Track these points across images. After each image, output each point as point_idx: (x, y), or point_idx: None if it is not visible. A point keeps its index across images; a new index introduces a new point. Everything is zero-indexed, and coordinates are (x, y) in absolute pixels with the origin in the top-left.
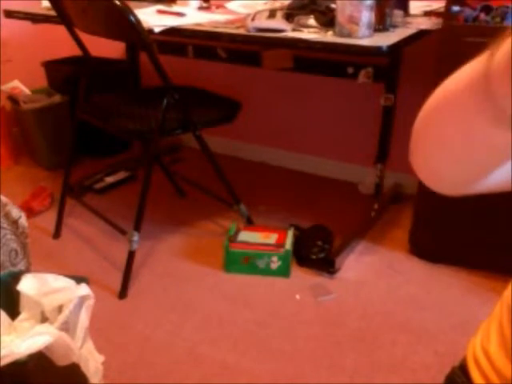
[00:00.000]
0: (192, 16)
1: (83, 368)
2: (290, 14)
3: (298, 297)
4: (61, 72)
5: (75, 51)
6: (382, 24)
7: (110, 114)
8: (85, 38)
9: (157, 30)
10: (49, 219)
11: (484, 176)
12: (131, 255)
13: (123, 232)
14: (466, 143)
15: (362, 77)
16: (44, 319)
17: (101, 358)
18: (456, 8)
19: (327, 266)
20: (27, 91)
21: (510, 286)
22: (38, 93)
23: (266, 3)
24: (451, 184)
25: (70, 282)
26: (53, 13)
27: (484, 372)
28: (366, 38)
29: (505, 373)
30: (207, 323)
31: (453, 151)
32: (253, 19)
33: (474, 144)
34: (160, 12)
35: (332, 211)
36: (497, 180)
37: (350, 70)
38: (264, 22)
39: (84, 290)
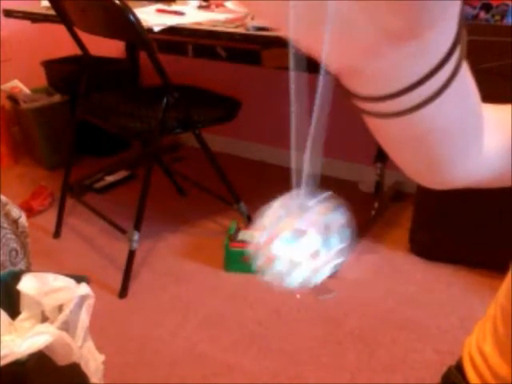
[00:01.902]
0: (191, 15)
1: (83, 367)
2: None
3: (298, 296)
4: (60, 71)
5: (75, 50)
6: None
7: (110, 113)
8: (84, 37)
9: (156, 29)
10: (49, 219)
11: (432, 162)
12: (131, 254)
13: (123, 231)
14: (380, 138)
15: None
16: (44, 319)
17: (101, 358)
18: None
19: None
20: (27, 90)
21: (503, 286)
22: (38, 92)
23: None
24: (420, 175)
25: (70, 282)
26: (52, 12)
27: (479, 371)
28: None
29: (500, 372)
30: (207, 322)
31: (385, 146)
32: (252, 18)
33: (381, 137)
34: (159, 11)
35: None
36: (477, 172)
37: None
38: None
39: (84, 289)
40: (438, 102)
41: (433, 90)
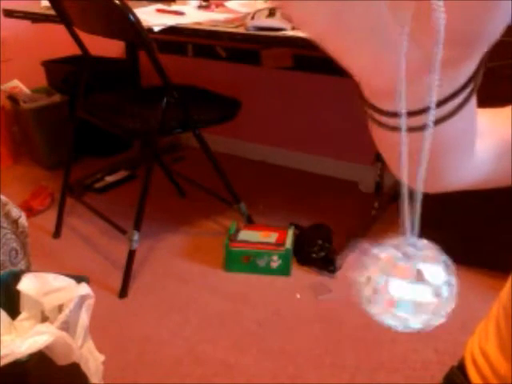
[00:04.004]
0: (191, 15)
1: (83, 367)
2: None
3: (298, 296)
4: (60, 71)
5: (75, 50)
6: None
7: (110, 114)
8: (84, 37)
9: (156, 28)
10: (49, 219)
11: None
12: (131, 254)
13: (123, 231)
14: (380, 148)
15: None
16: (44, 319)
17: (101, 358)
18: None
19: (327, 264)
20: (27, 90)
21: (506, 287)
22: (38, 92)
23: (265, 2)
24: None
25: (70, 282)
26: (52, 12)
27: (482, 372)
28: None
29: (502, 373)
30: (207, 322)
31: (385, 157)
32: (252, 18)
33: (382, 146)
34: (159, 11)
35: (332, 210)
36: (468, 176)
37: None
38: (263, 21)
39: (84, 289)
40: (451, 119)
41: (450, 109)
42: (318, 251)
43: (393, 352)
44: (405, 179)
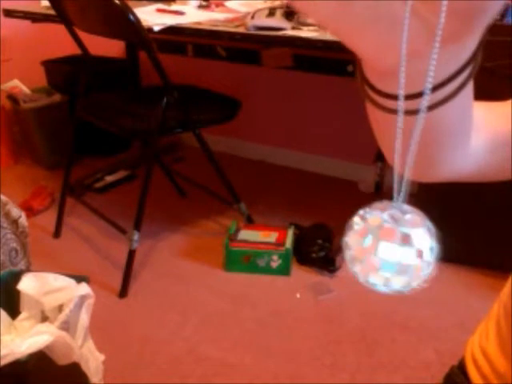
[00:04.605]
0: (191, 14)
1: (84, 367)
2: (289, 12)
3: (298, 295)
4: (60, 71)
5: (75, 50)
6: None
7: (110, 113)
8: (84, 36)
9: (156, 28)
10: (49, 218)
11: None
12: (131, 254)
13: (123, 231)
14: (375, 130)
15: None
16: (44, 318)
17: (101, 357)
18: None
19: (327, 264)
20: (27, 90)
21: (506, 287)
22: (38, 92)
23: (265, 1)
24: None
25: (70, 282)
26: (52, 12)
27: (482, 372)
28: None
29: (503, 372)
30: (207, 322)
31: (377, 137)
32: (252, 17)
33: (378, 128)
34: (159, 11)
35: (332, 210)
36: (462, 167)
37: (350, 68)
38: (264, 21)
39: (84, 289)
40: (448, 104)
41: (448, 92)
42: (318, 251)
43: (392, 352)
44: (399, 146)
